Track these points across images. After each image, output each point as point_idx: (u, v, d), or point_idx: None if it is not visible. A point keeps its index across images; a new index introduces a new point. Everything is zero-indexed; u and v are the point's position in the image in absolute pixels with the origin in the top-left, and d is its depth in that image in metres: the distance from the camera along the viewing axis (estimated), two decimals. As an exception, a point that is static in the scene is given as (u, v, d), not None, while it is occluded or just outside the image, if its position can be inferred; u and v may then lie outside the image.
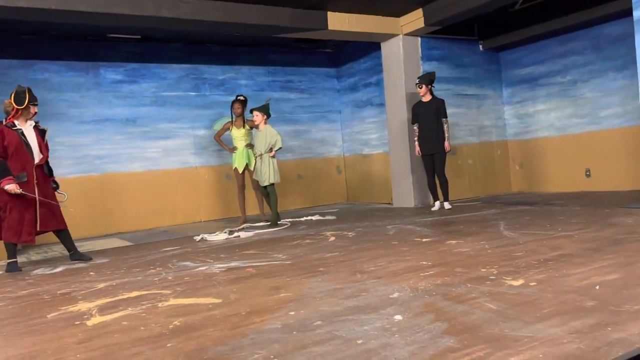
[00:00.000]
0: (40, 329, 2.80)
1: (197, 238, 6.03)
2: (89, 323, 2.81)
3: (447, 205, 7.01)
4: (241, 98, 7.28)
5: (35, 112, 4.94)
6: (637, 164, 7.13)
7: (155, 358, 2.16)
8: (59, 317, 3.00)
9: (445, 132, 6.89)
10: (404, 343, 2.07)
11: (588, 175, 7.90)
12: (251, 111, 6.80)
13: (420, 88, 7.00)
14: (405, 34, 7.68)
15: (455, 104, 8.17)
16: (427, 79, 6.99)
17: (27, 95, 4.82)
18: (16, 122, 4.83)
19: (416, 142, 7.10)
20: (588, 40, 7.77)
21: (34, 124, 4.98)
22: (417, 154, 7.15)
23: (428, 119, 6.93)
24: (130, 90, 8.10)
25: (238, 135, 7.20)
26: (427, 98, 7.02)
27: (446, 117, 6.94)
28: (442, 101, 7.03)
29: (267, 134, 6.63)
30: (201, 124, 8.57)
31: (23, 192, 4.67)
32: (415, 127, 7.10)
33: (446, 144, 6.88)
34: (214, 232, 6.26)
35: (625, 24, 7.00)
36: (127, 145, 8.04)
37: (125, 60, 8.07)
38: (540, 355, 1.83)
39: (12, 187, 4.62)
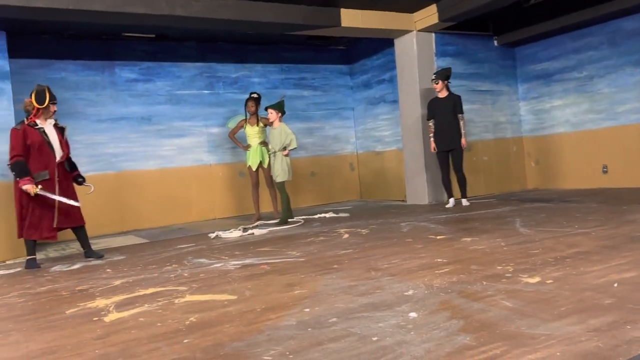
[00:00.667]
0: (59, 324, 2.84)
1: (212, 235, 6.07)
2: (107, 319, 2.84)
3: (464, 202, 6.97)
4: (255, 96, 7.30)
5: (55, 111, 5.02)
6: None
7: (172, 354, 2.18)
8: (77, 313, 3.04)
9: (462, 129, 6.84)
10: (420, 340, 2.07)
11: (605, 172, 7.80)
12: (266, 109, 6.82)
13: (437, 84, 6.95)
14: (419, 30, 7.64)
15: (470, 100, 8.11)
16: (443, 75, 6.94)
17: (47, 94, 4.91)
18: (37, 121, 4.90)
19: (432, 139, 7.05)
20: (604, 35, 7.67)
21: (54, 122, 5.05)
22: (432, 150, 7.10)
23: (444, 115, 6.88)
24: (145, 89, 8.16)
25: (252, 133, 7.22)
26: (443, 94, 6.97)
27: (462, 112, 6.88)
28: (459, 97, 6.97)
29: (282, 132, 6.65)
30: (215, 122, 8.60)
31: (40, 192, 4.73)
32: (431, 124, 7.04)
33: (463, 140, 6.82)
34: (229, 230, 6.29)
35: (642, 18, 6.91)
36: (142, 144, 8.10)
37: (139, 59, 8.13)
38: (558, 354, 1.82)
39: (29, 187, 4.68)
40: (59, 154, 4.97)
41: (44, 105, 4.87)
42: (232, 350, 2.15)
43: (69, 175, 5.12)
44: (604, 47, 7.68)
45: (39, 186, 4.73)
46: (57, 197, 4.82)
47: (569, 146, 8.27)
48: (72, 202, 4.92)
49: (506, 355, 1.84)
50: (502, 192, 8.48)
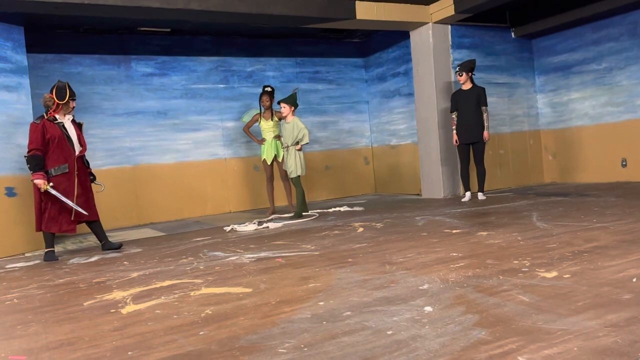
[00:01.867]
0: (77, 316, 2.88)
1: (227, 228, 6.11)
2: (124, 311, 2.88)
3: (481, 196, 6.92)
4: (268, 89, 7.30)
5: (74, 107, 5.11)
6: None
7: (188, 346, 2.20)
8: (94, 305, 3.08)
9: (485, 121, 6.78)
10: (435, 334, 2.07)
11: (624, 166, 7.69)
12: (278, 102, 6.82)
13: (461, 76, 6.90)
14: (435, 22, 7.58)
15: (487, 92, 8.02)
16: (468, 67, 6.88)
17: (67, 90, 5.01)
18: (56, 116, 4.98)
19: (454, 131, 7.00)
20: (624, 26, 7.53)
21: (72, 117, 5.13)
22: (454, 143, 7.04)
23: (468, 108, 6.82)
24: (160, 83, 8.22)
25: (266, 127, 7.24)
26: (467, 86, 6.91)
27: (486, 105, 6.82)
28: (483, 89, 6.90)
29: (295, 127, 6.64)
30: (230, 116, 8.63)
31: (49, 190, 4.79)
32: (454, 116, 6.98)
33: (485, 133, 6.76)
34: (244, 223, 6.33)
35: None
36: (158, 138, 8.17)
37: (155, 53, 8.18)
38: (575, 349, 1.80)
39: (40, 182, 4.78)
40: (77, 148, 5.07)
41: (64, 101, 4.97)
42: (247, 343, 2.16)
43: (86, 170, 5.21)
44: (624, 38, 7.55)
45: (50, 183, 4.81)
46: (64, 199, 4.86)
47: (587, 139, 8.16)
48: (79, 209, 4.95)
49: (522, 350, 1.83)
50: (518, 186, 8.41)
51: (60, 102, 4.95)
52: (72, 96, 5.04)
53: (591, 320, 2.07)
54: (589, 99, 8.12)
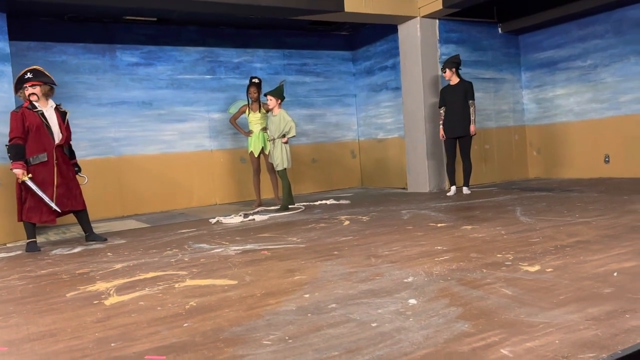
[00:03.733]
0: (60, 307, 2.85)
1: (213, 221, 6.08)
2: (107, 302, 2.85)
3: (466, 190, 6.97)
4: (255, 80, 7.25)
5: (33, 94, 4.88)
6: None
7: (172, 337, 2.19)
8: (77, 297, 3.05)
9: (472, 115, 6.81)
10: (419, 327, 2.08)
11: (607, 162, 7.79)
12: (265, 95, 6.78)
13: (445, 72, 6.94)
14: (423, 16, 7.59)
15: (474, 87, 8.07)
16: (450, 63, 6.91)
17: (18, 79, 4.95)
18: (37, 104, 4.89)
19: (440, 126, 7.03)
20: (609, 23, 7.61)
21: (54, 105, 5.04)
22: (441, 137, 7.08)
23: (455, 102, 6.85)
24: (146, 73, 8.13)
25: (254, 119, 7.20)
26: (454, 81, 6.94)
27: (474, 99, 6.86)
28: (470, 84, 6.93)
29: (282, 119, 6.60)
30: (216, 107, 8.58)
31: (27, 181, 4.73)
32: (442, 111, 7.01)
33: (472, 127, 6.79)
34: (230, 215, 6.31)
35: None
36: (143, 128, 8.09)
37: (141, 43, 8.09)
38: (557, 342, 1.82)
39: (18, 172, 4.71)
40: (57, 137, 4.96)
41: (46, 82, 4.92)
42: (232, 335, 2.16)
43: (68, 160, 5.12)
44: (609, 35, 7.63)
45: (29, 175, 4.74)
46: (40, 192, 4.76)
47: (571, 135, 8.25)
48: (53, 205, 4.83)
49: (504, 342, 1.85)
50: (503, 181, 8.48)
51: (40, 82, 4.89)
52: (21, 83, 4.90)
53: (573, 314, 2.09)
54: (573, 95, 8.21)
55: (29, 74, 4.90)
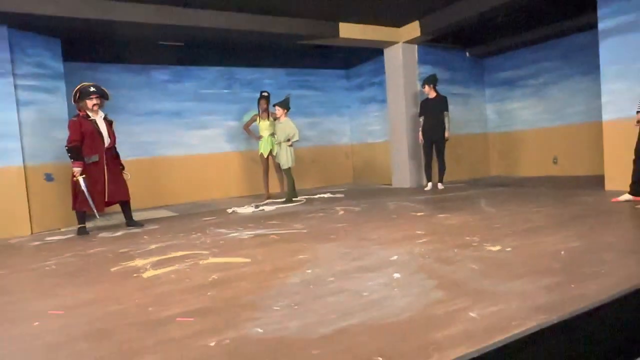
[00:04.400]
0: (105, 279, 2.86)
1: (229, 210, 6.08)
2: (144, 275, 2.86)
3: (440, 185, 6.98)
4: (265, 94, 7.25)
5: (95, 104, 4.92)
6: (596, 154, 7.00)
7: (198, 304, 2.20)
8: (119, 271, 3.06)
9: (446, 123, 6.80)
10: (402, 295, 2.09)
11: (555, 163, 7.81)
12: (274, 105, 6.78)
13: (424, 88, 6.95)
14: (405, 42, 7.57)
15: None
16: (428, 80, 6.92)
17: (77, 91, 4.93)
18: (90, 114, 4.89)
19: (420, 133, 7.02)
20: (558, 48, 7.62)
21: (103, 115, 5.04)
22: (420, 141, 7.08)
23: (432, 113, 6.83)
24: (175, 89, 8.11)
25: (263, 126, 7.19)
26: (432, 95, 6.92)
27: (447, 110, 6.85)
28: (445, 98, 6.92)
29: (287, 126, 6.59)
30: (232, 117, 8.55)
31: (80, 180, 4.74)
32: (421, 120, 7.00)
33: (446, 133, 6.78)
34: (243, 206, 6.30)
35: (591, 35, 6.84)
36: (172, 134, 8.07)
37: (171, 63, 8.06)
38: (514, 307, 1.84)
39: (78, 170, 4.75)
40: (106, 141, 4.98)
41: (76, 102, 4.92)
42: (247, 302, 2.17)
43: (115, 160, 5.12)
44: (558, 59, 7.64)
45: (83, 175, 4.76)
46: (86, 193, 4.76)
47: (526, 141, 8.27)
48: (92, 206, 4.82)
49: (472, 307, 1.87)
50: (470, 178, 8.49)
51: (93, 96, 4.87)
52: (84, 97, 4.89)
53: (528, 284, 2.11)
54: (528, 107, 8.22)
55: (92, 88, 4.90)
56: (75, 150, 4.76)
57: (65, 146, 4.84)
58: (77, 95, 4.91)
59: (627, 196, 4.38)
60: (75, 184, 4.83)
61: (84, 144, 4.82)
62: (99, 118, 4.97)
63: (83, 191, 4.78)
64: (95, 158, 4.86)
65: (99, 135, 4.91)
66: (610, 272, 2.22)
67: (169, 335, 1.83)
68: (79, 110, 4.91)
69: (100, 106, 5.01)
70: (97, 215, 4.95)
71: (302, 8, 6.21)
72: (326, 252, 3.15)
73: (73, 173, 4.79)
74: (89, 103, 4.91)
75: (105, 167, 4.93)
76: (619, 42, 5.09)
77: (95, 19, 5.27)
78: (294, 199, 6.71)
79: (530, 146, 8.19)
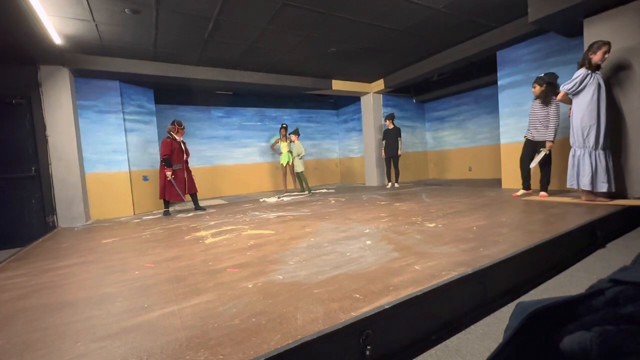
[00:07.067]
0: (180, 244, 2.85)
1: (261, 200, 6.05)
2: (206, 242, 2.85)
3: (396, 184, 6.96)
4: (284, 125, 7.22)
5: (183, 133, 4.97)
6: (496, 164, 7.02)
7: (241, 259, 2.19)
8: (190, 239, 3.05)
9: (399, 145, 6.78)
10: (372, 254, 2.09)
11: (470, 170, 7.80)
12: (290, 133, 6.77)
13: (386, 122, 6.93)
14: (374, 92, 7.57)
15: (401, 130, 8.06)
16: (388, 117, 6.89)
17: (176, 123, 4.90)
18: (175, 136, 4.88)
19: (383, 151, 7.00)
20: (472, 97, 7.61)
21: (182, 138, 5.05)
22: (382, 156, 7.05)
23: (391, 138, 6.79)
24: (227, 122, 8.07)
25: (283, 146, 7.15)
26: (390, 126, 6.88)
27: (400, 137, 6.82)
28: (399, 128, 6.87)
29: (298, 146, 6.61)
30: (263, 139, 8.52)
31: (171, 180, 4.73)
32: (383, 142, 6.99)
33: (399, 151, 6.76)
34: (269, 197, 6.27)
35: (493, 88, 6.87)
36: (225, 151, 8.03)
37: (224, 105, 8.03)
38: (444, 262, 1.84)
39: (169, 173, 4.74)
40: (185, 155, 4.97)
41: (182, 127, 4.90)
42: (272, 259, 2.17)
43: (189, 167, 5.11)
44: (472, 103, 7.63)
45: (173, 175, 4.75)
46: (176, 186, 4.77)
47: (452, 156, 8.25)
48: (180, 193, 4.83)
49: (417, 262, 1.86)
50: (415, 180, 8.47)
51: (179, 128, 4.89)
52: (180, 125, 4.93)
53: (452, 248, 2.11)
54: (453, 135, 8.19)
55: (182, 123, 4.93)
56: (168, 160, 4.75)
57: (161, 158, 4.83)
58: (173, 126, 4.90)
59: (522, 191, 4.36)
60: (166, 181, 4.81)
61: (172, 157, 4.81)
62: (180, 139, 4.96)
63: (174, 186, 4.77)
64: (179, 166, 4.85)
65: (181, 151, 4.90)
66: (505, 240, 2.22)
67: (222, 280, 1.83)
68: (169, 133, 4.89)
69: (182, 133, 5.01)
70: (184, 200, 4.92)
71: (308, 70, 6.21)
72: (323, 227, 3.14)
73: (165, 175, 4.77)
74: (181, 131, 4.93)
75: (185, 172, 4.94)
76: (511, 93, 5.10)
77: (176, 77, 5.26)
78: (306, 192, 6.69)
79: (454, 159, 8.18)
